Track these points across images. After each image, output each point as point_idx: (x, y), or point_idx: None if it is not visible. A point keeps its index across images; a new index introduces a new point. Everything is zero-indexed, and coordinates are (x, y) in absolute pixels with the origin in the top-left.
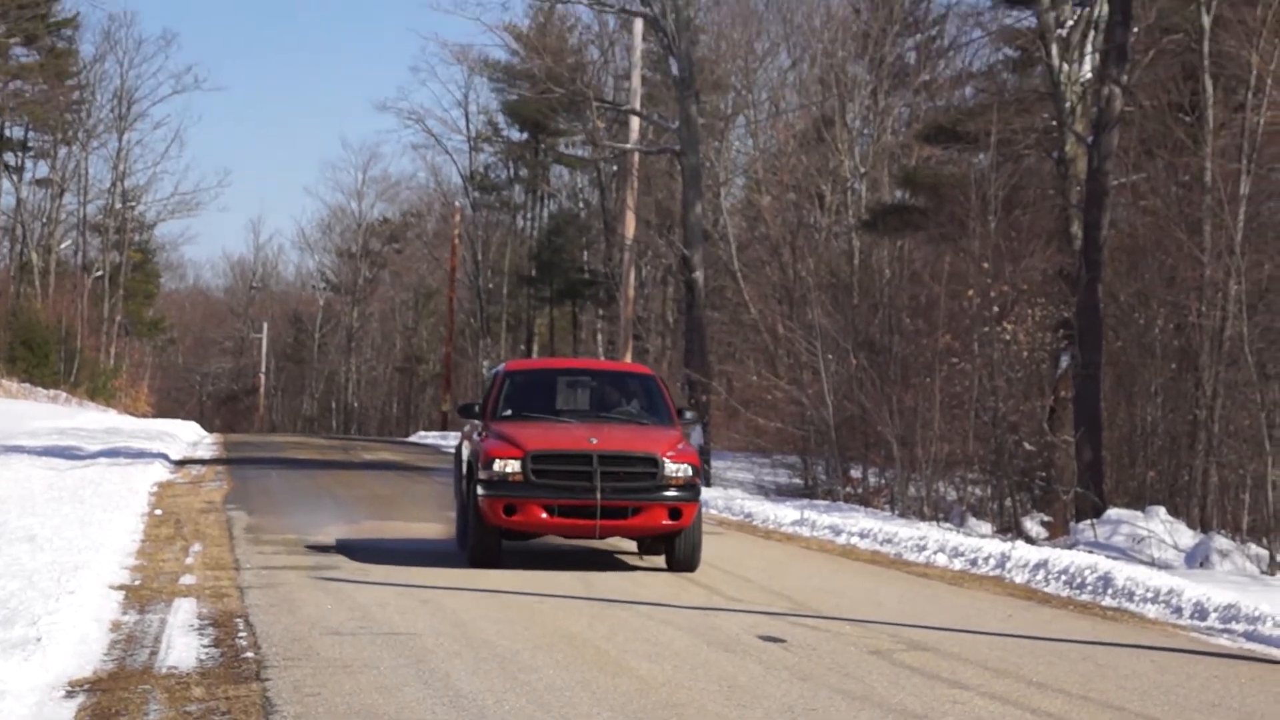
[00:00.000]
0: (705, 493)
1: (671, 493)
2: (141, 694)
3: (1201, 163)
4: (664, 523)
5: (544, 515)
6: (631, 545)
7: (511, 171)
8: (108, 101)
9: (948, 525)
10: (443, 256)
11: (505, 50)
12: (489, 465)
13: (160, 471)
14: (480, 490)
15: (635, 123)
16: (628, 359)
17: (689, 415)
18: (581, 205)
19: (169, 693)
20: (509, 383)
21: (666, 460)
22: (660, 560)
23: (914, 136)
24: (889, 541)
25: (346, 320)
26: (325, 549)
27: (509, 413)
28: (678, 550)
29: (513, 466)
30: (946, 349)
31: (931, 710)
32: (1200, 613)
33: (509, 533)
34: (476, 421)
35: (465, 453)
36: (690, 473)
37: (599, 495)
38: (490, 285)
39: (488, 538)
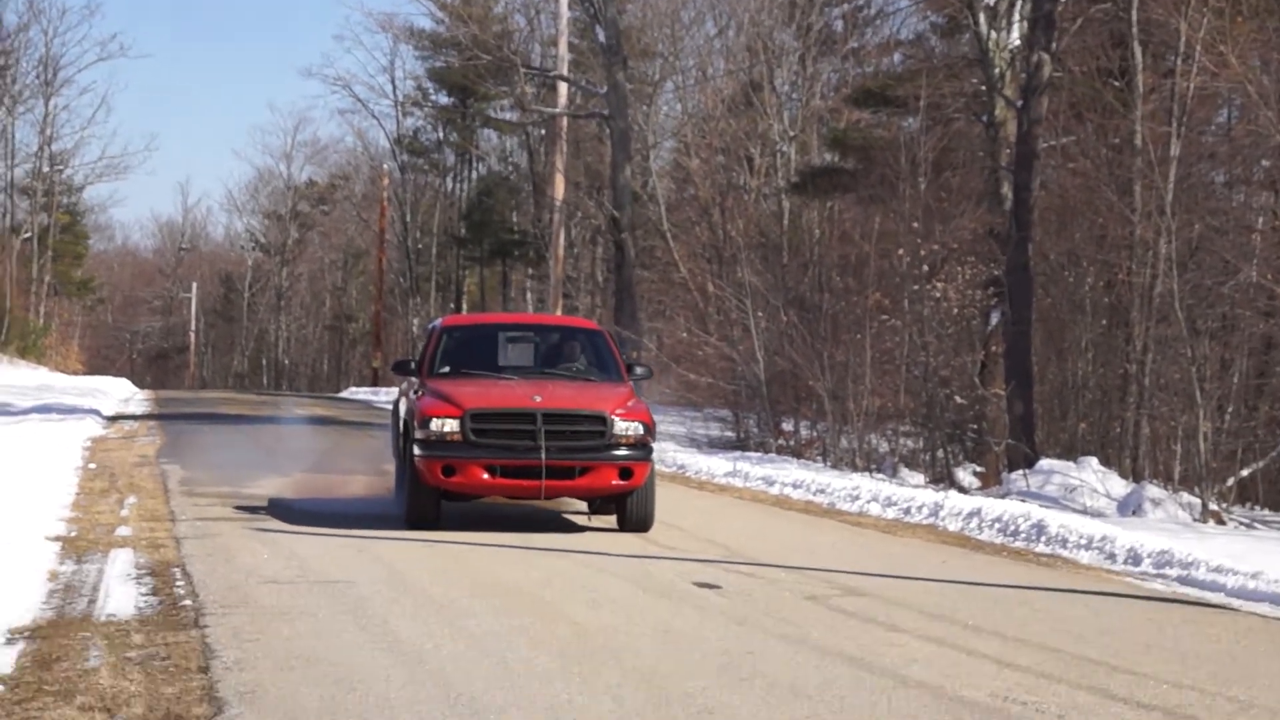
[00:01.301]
0: None
1: (622, 452)
2: (82, 640)
3: (1131, 126)
4: (614, 483)
5: (485, 476)
6: (579, 503)
7: (440, 135)
8: (33, 68)
9: (881, 476)
10: (371, 218)
11: (430, 19)
12: (425, 424)
13: (93, 427)
14: (417, 450)
15: (563, 88)
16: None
17: (640, 370)
18: (511, 168)
19: (109, 639)
20: (446, 338)
21: (616, 418)
22: (600, 514)
23: (843, 101)
24: (822, 491)
25: (276, 280)
26: (260, 501)
27: (446, 369)
28: (629, 511)
29: (451, 426)
30: (877, 306)
31: (868, 653)
32: (1134, 559)
33: (448, 493)
34: (413, 378)
35: (402, 410)
36: (641, 431)
37: (544, 455)
38: (419, 246)
39: (425, 499)
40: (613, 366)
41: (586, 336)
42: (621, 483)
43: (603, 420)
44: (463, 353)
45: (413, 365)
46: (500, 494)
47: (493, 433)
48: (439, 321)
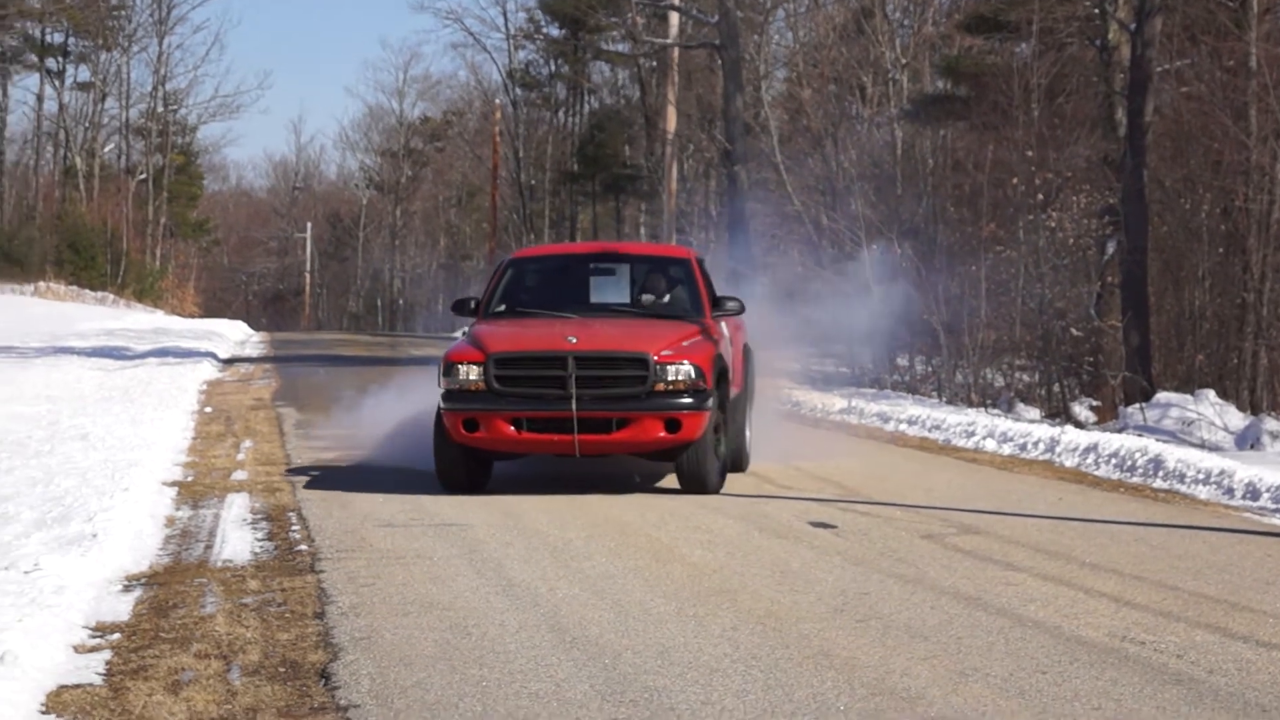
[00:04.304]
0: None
1: (668, 400)
2: (198, 587)
3: (1246, 48)
4: (659, 436)
5: (511, 430)
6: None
7: (552, 68)
8: (147, 6)
9: (996, 411)
10: (484, 154)
11: None
12: (450, 372)
13: (209, 370)
14: (441, 403)
15: (674, 18)
16: None
17: (731, 305)
18: (622, 101)
19: (225, 585)
20: (510, 272)
21: (660, 360)
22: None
23: (955, 27)
24: (937, 428)
25: (390, 219)
26: (376, 443)
27: (502, 309)
28: (684, 468)
29: (474, 373)
30: (991, 237)
31: (984, 592)
32: (1252, 493)
33: (484, 452)
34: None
35: None
36: (693, 375)
37: (574, 405)
38: (533, 182)
39: (454, 458)
40: (695, 299)
41: (670, 265)
42: (669, 436)
43: (643, 363)
44: (525, 289)
45: (473, 305)
46: (529, 451)
47: (520, 380)
48: (510, 255)
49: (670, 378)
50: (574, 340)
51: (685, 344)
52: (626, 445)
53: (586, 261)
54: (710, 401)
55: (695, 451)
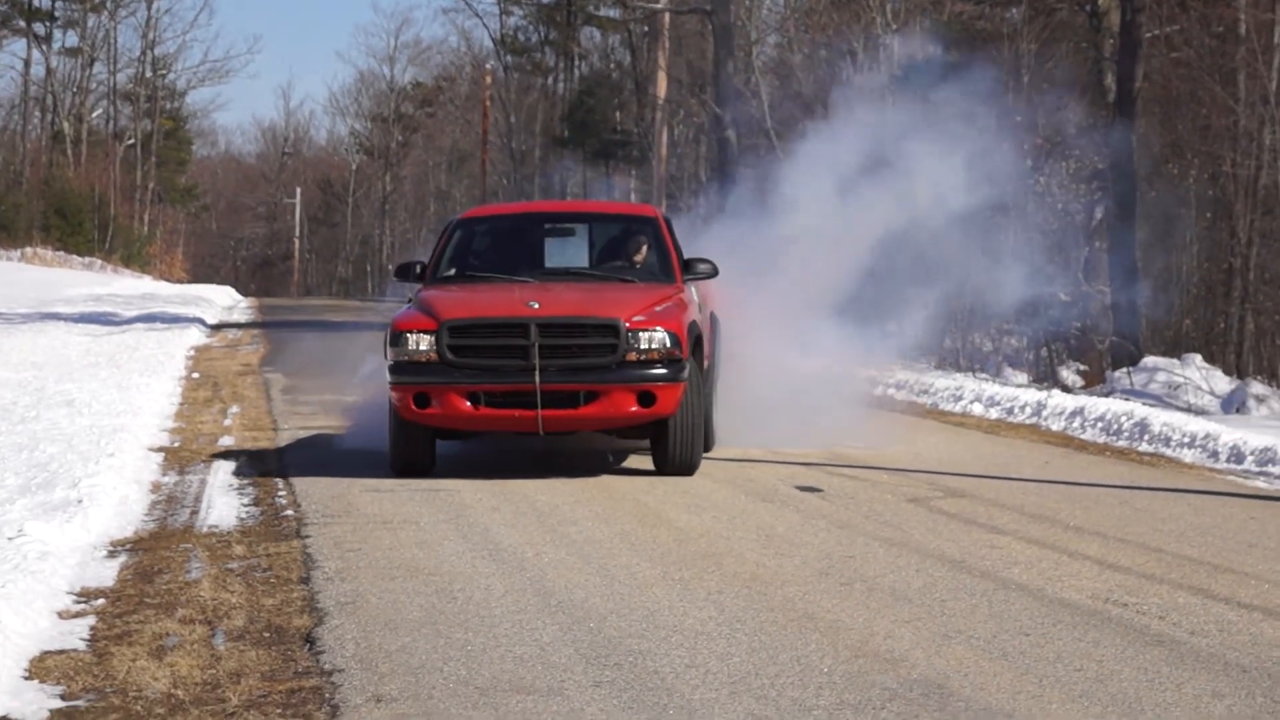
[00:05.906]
0: None
1: (641, 371)
2: (183, 553)
3: (1235, 13)
4: (632, 410)
5: (468, 406)
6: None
7: (542, 34)
8: None
9: (983, 375)
10: (475, 120)
11: None
12: (398, 342)
13: (196, 336)
14: (389, 376)
15: None
16: None
17: (703, 268)
18: (613, 66)
19: (210, 551)
20: (458, 234)
21: (631, 327)
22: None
23: None
24: (925, 392)
25: (380, 184)
26: (363, 409)
27: (452, 273)
28: (666, 449)
29: (425, 343)
30: (981, 200)
31: (969, 555)
32: (1237, 456)
33: (438, 431)
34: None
35: None
36: (668, 343)
37: (538, 377)
38: (523, 147)
39: (408, 437)
40: (665, 262)
41: (635, 225)
42: (642, 410)
43: (614, 330)
44: (474, 252)
45: (418, 269)
46: (488, 429)
47: (477, 350)
48: (457, 215)
49: (643, 346)
50: (536, 305)
51: (658, 309)
52: (596, 421)
53: (542, 222)
54: (686, 372)
55: (678, 428)
